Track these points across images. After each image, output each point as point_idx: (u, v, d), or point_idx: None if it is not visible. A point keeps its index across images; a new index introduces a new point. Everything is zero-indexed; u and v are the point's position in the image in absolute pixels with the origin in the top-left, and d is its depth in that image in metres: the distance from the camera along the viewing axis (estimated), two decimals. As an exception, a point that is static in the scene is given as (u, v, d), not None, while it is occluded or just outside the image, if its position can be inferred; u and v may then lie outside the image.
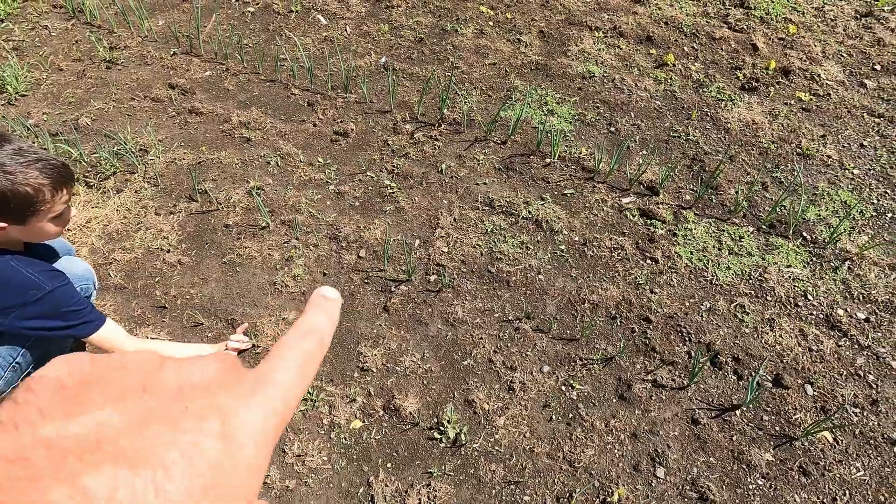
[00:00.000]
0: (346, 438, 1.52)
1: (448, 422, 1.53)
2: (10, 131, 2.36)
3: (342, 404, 1.58)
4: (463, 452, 1.51)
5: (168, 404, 0.21)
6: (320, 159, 2.35)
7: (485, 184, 2.28)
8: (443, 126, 2.54)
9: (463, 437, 1.52)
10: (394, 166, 2.32)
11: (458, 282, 1.90)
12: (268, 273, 1.91)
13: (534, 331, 1.79)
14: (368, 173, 2.29)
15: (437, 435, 1.53)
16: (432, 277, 1.90)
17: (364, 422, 1.56)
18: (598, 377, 1.70)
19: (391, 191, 2.21)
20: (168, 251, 1.96)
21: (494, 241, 2.04)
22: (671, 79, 2.90)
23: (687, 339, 1.78)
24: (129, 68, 2.80)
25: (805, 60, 3.09)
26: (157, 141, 2.38)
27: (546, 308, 1.85)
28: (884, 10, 3.48)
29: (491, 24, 3.23)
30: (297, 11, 3.27)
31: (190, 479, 0.19)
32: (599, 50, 3.06)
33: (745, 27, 3.27)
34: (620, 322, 1.82)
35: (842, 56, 3.16)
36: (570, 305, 1.86)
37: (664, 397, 1.66)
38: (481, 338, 1.76)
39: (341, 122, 2.53)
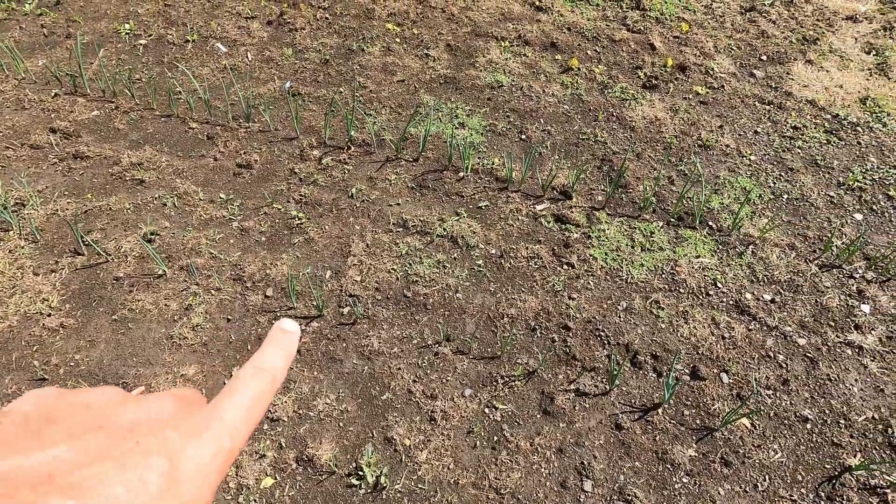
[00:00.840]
0: (256, 500, 1.41)
1: (367, 465, 1.45)
2: None
3: (250, 462, 1.46)
4: (385, 496, 1.43)
5: (121, 441, 0.23)
6: (222, 195, 2.22)
7: (398, 204, 2.22)
8: (352, 149, 2.47)
9: (383, 479, 1.43)
10: (302, 195, 2.22)
11: (373, 311, 1.83)
12: (164, 326, 1.76)
13: (454, 353, 1.73)
14: (275, 205, 2.18)
15: (355, 481, 1.44)
16: (345, 310, 1.82)
17: (276, 478, 1.44)
18: (521, 394, 1.66)
19: (299, 222, 2.11)
20: (48, 315, 1.77)
21: (410, 264, 1.98)
22: (577, 83, 2.97)
23: (606, 342, 1.78)
24: (3, 114, 2.56)
25: (699, 56, 3.24)
26: (36, 192, 2.18)
27: (465, 327, 1.80)
28: (765, 4, 3.72)
29: (398, 40, 3.20)
30: (193, 41, 3.12)
31: None
32: (506, 59, 3.09)
33: (643, 28, 3.41)
34: (540, 333, 1.80)
35: (732, 49, 3.34)
36: (489, 322, 1.82)
37: (588, 405, 1.64)
38: (399, 368, 1.69)
39: (244, 153, 2.41)
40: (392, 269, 1.96)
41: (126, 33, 3.15)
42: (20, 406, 0.24)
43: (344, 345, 1.74)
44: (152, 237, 2.02)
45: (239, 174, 2.31)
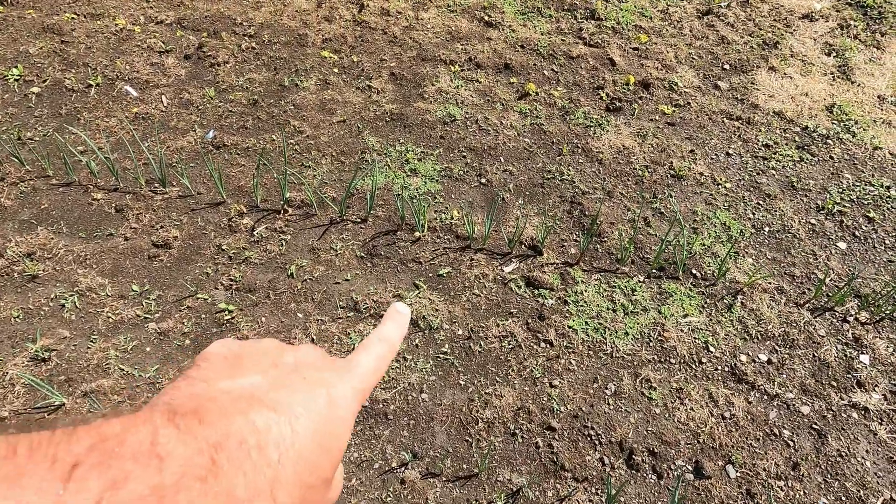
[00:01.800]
0: None
1: None
2: None
3: None
4: None
5: (293, 374, 0.32)
6: (135, 287, 1.86)
7: (346, 280, 1.92)
8: (289, 212, 2.14)
9: None
10: (231, 279, 1.90)
11: (323, 430, 1.53)
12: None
13: (423, 477, 1.47)
14: (199, 295, 1.84)
15: None
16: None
17: None
18: (506, 522, 1.41)
19: (230, 315, 1.79)
20: None
21: (364, 360, 1.69)
22: (536, 109, 2.72)
23: (597, 441, 1.56)
24: None
25: (661, 69, 3.05)
26: None
27: (435, 439, 1.54)
28: (721, 7, 3.57)
29: (336, 70, 2.86)
30: (97, 85, 2.69)
31: (308, 423, 0.29)
32: (458, 87, 2.81)
33: (600, 41, 3.18)
34: (521, 438, 1.55)
35: (693, 59, 3.16)
36: (462, 429, 1.56)
37: (583, 529, 1.41)
38: (359, 507, 1.41)
39: (161, 228, 2.05)
40: (344, 369, 1.67)
41: (14, 80, 2.69)
42: (216, 349, 0.33)
43: (291, 481, 1.45)
44: (47, 354, 1.66)
45: (155, 257, 1.96)
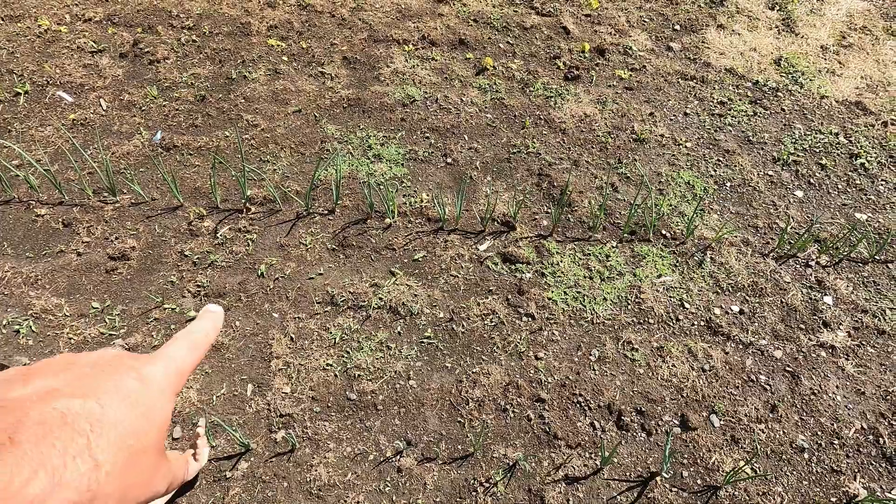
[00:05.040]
0: None
1: None
2: None
3: None
4: None
5: (93, 368, 0.34)
6: (95, 304, 1.76)
7: (320, 275, 1.87)
8: (252, 210, 2.06)
9: None
10: (199, 285, 1.82)
11: (313, 429, 1.50)
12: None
13: (419, 463, 1.46)
14: (166, 305, 1.76)
15: None
16: (279, 435, 1.48)
17: None
18: (507, 499, 1.42)
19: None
20: None
21: (348, 353, 1.66)
22: (495, 84, 2.68)
23: (586, 407, 1.58)
24: None
25: (614, 34, 3.05)
26: None
27: (427, 424, 1.53)
28: (667, -33, 3.58)
29: (286, 59, 2.75)
30: (27, 93, 2.50)
31: (118, 399, 0.32)
32: (413, 67, 2.74)
33: (552, 9, 3.15)
34: (513, 412, 1.56)
35: (644, 22, 3.18)
36: (453, 410, 1.56)
37: (581, 494, 1.44)
38: (358, 501, 1.39)
39: (116, 239, 1.94)
40: (327, 365, 1.63)
41: (-69, 94, 2.47)
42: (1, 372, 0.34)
43: (285, 484, 1.41)
44: (6, 384, 1.55)
45: (113, 270, 1.85)
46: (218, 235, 1.96)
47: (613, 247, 2.02)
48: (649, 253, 2.00)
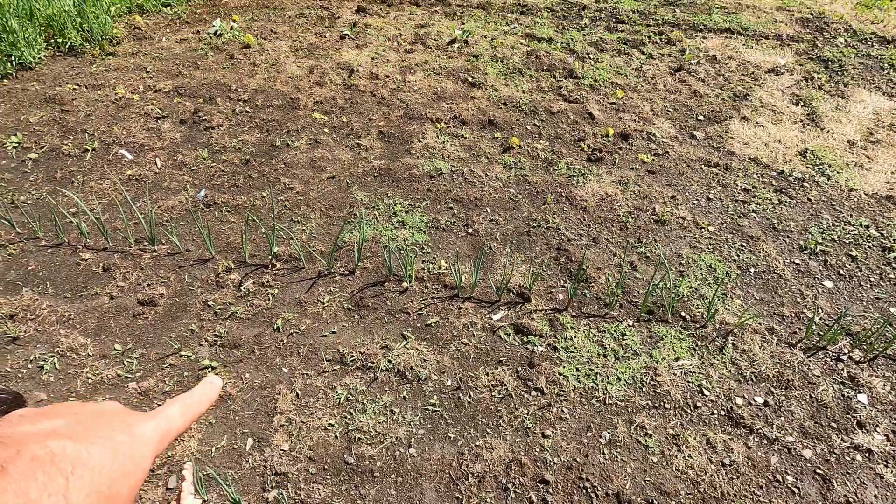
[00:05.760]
0: None
1: None
2: None
3: None
4: None
5: (93, 418, 0.38)
6: (118, 346, 1.83)
7: (333, 333, 1.90)
8: (277, 266, 2.15)
9: None
10: (216, 335, 1.87)
11: (306, 491, 1.46)
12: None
13: (412, 539, 1.38)
14: (183, 352, 1.81)
15: None
16: (271, 495, 1.45)
17: None
18: (501, 588, 1.32)
19: (215, 373, 1.75)
20: None
21: (351, 414, 1.65)
22: (520, 161, 2.81)
23: (593, 494, 1.49)
24: None
25: (638, 121, 3.18)
26: None
27: (424, 496, 1.47)
28: (692, 64, 3.78)
29: (326, 130, 2.97)
30: (93, 150, 2.78)
31: (105, 449, 0.35)
32: (444, 142, 2.91)
33: (579, 97, 3.34)
34: (514, 492, 1.48)
35: (668, 111, 3.31)
36: (452, 485, 1.49)
37: (583, 593, 1.32)
38: (343, 575, 1.32)
39: (148, 286, 2.05)
40: (329, 424, 1.62)
41: (13, 147, 2.77)
42: (17, 412, 0.37)
43: (271, 548, 1.36)
44: (21, 418, 1.60)
45: (140, 315, 1.94)
46: (242, 288, 2.05)
47: (630, 325, 1.98)
48: (667, 334, 1.96)
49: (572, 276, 2.12)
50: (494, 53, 3.76)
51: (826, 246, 2.44)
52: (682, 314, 2.04)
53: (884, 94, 3.57)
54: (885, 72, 3.77)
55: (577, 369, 1.81)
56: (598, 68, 3.64)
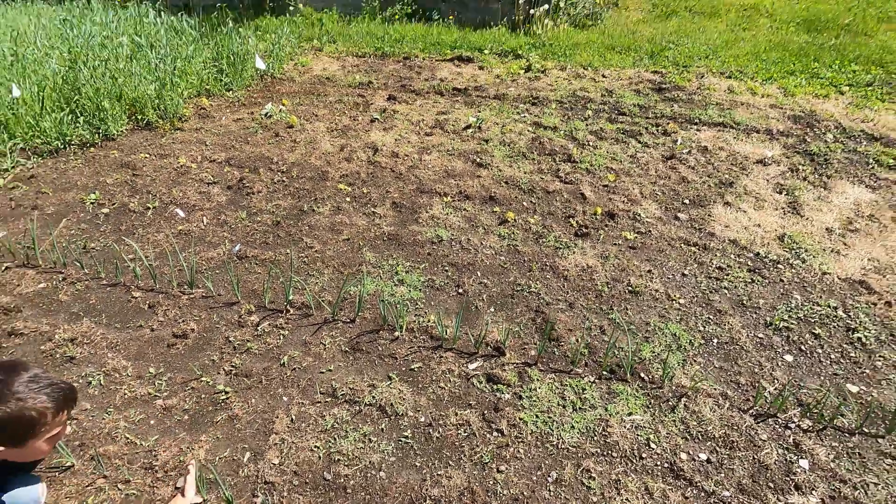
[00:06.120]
0: None
1: None
2: None
3: None
4: None
5: None
6: (151, 370, 2.20)
7: (329, 371, 2.21)
8: (290, 311, 2.52)
9: None
10: (233, 366, 2.22)
11: (288, 499, 1.72)
12: (57, 532, 1.63)
13: (371, 548, 1.61)
14: (203, 378, 2.16)
15: None
16: (258, 500, 1.71)
17: None
18: None
19: (225, 396, 2.08)
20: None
21: (334, 439, 1.92)
22: (513, 233, 3.17)
23: (534, 524, 1.68)
24: (-52, 291, 2.60)
25: (627, 202, 3.52)
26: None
27: (386, 514, 1.70)
28: (683, 153, 4.15)
29: (348, 199, 3.45)
30: (154, 208, 3.32)
31: None
32: (448, 214, 3.32)
33: (574, 179, 3.74)
34: (465, 517, 1.69)
35: (657, 195, 3.65)
36: (412, 506, 1.72)
37: None
38: (308, 572, 1.55)
39: (182, 322, 2.44)
40: (315, 446, 1.89)
41: (91, 203, 3.35)
42: None
43: (252, 544, 1.61)
44: (69, 422, 1.95)
45: (173, 345, 2.32)
46: (258, 328, 2.41)
47: (591, 381, 2.21)
48: (624, 392, 2.17)
49: (543, 335, 2.39)
50: (503, 138, 4.26)
51: (791, 323, 2.63)
52: (642, 375, 2.26)
53: (866, 186, 3.81)
54: (870, 166, 4.04)
55: (536, 416, 2.04)
56: (595, 154, 4.07)
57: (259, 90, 5.17)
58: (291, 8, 7.26)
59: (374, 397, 2.09)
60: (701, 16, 6.99)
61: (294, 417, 2.00)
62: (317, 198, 3.45)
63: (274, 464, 1.82)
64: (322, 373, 2.20)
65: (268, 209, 3.33)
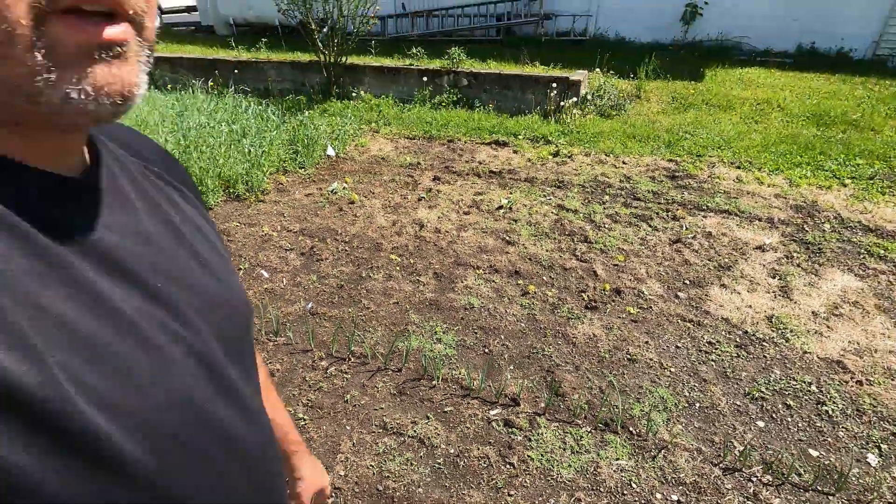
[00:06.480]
0: None
1: None
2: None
3: None
4: None
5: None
6: (248, 398, 2.90)
7: (381, 408, 2.85)
8: (352, 360, 3.20)
9: None
10: (309, 400, 2.89)
11: (350, 502, 2.33)
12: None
13: (410, 541, 2.18)
14: (288, 407, 2.83)
15: None
16: (329, 501, 2.33)
17: None
18: (461, 579, 2.06)
19: (304, 423, 2.74)
20: None
21: (384, 461, 2.54)
22: (533, 304, 3.80)
23: (533, 535, 2.22)
24: None
25: (633, 281, 4.11)
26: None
27: (422, 518, 2.27)
28: (688, 237, 4.74)
29: (398, 269, 4.19)
30: (244, 269, 4.16)
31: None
32: (479, 285, 4.00)
33: (589, 258, 4.37)
34: (481, 525, 2.25)
35: (661, 275, 4.22)
36: (441, 514, 2.29)
37: (513, 592, 2.02)
38: (365, 553, 2.13)
39: (269, 363, 3.16)
40: (370, 465, 2.51)
41: (196, 262, 4.22)
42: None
43: (325, 531, 2.21)
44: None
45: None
46: (327, 372, 3.10)
47: (588, 431, 2.75)
48: (614, 441, 2.70)
49: (551, 391, 2.97)
50: (530, 219, 4.98)
51: (767, 394, 3.10)
52: (630, 429, 2.79)
53: (855, 275, 4.27)
54: (861, 256, 4.49)
55: (541, 455, 2.60)
56: (609, 236, 4.71)
57: (326, 168, 6.14)
58: (354, 94, 8.46)
59: (415, 431, 2.70)
60: (717, 108, 7.71)
61: (355, 442, 2.63)
62: (372, 266, 4.21)
63: (341, 475, 2.45)
64: (376, 410, 2.84)
65: (333, 273, 4.10)
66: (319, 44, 8.20)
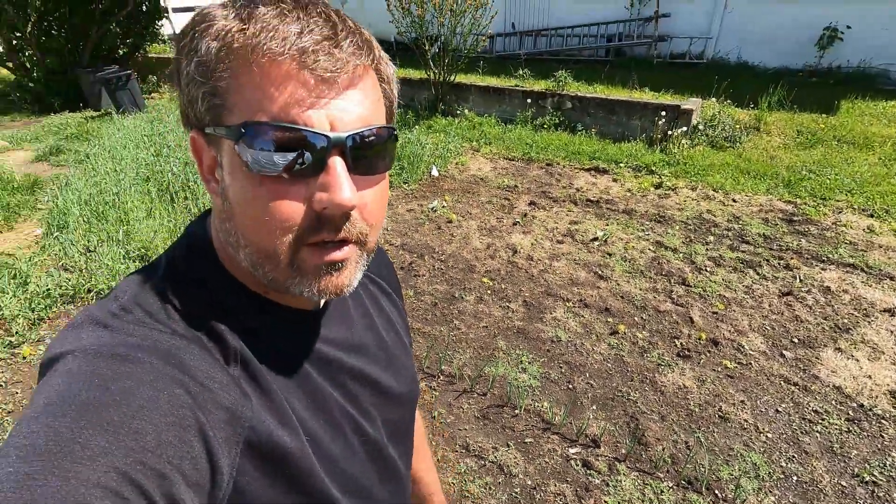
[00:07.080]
0: None
1: None
2: None
3: None
4: None
5: None
6: (348, 401, 3.22)
7: (465, 429, 3.03)
8: (441, 378, 3.43)
9: None
10: (400, 411, 3.15)
11: (432, 514, 2.54)
12: None
13: (484, 563, 2.33)
14: (380, 415, 3.12)
15: None
16: (414, 509, 2.55)
17: None
18: None
19: (395, 432, 3.00)
20: None
21: (465, 481, 2.71)
22: (621, 345, 3.78)
23: (604, 581, 2.27)
24: None
25: (733, 332, 3.93)
26: None
27: (497, 543, 2.42)
28: (802, 291, 4.41)
29: (489, 292, 4.36)
30: (350, 277, 4.56)
31: None
32: (568, 318, 4.05)
33: (685, 302, 4.24)
34: (553, 561, 2.34)
35: (765, 329, 3.99)
36: (515, 543, 2.42)
37: None
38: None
39: (367, 370, 3.48)
40: (451, 482, 2.70)
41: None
42: None
43: (408, 537, 2.44)
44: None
45: (361, 386, 3.35)
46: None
47: (669, 486, 2.73)
48: (697, 501, 2.65)
49: (634, 438, 2.96)
50: (625, 254, 4.91)
51: (880, 479, 2.85)
52: (716, 492, 2.71)
53: None
54: None
55: (619, 502, 2.62)
56: (710, 280, 4.52)
57: (427, 184, 6.49)
58: (458, 112, 8.80)
59: (495, 457, 2.85)
60: (850, 146, 6.98)
61: (439, 458, 2.84)
62: (465, 287, 4.42)
63: (425, 487, 2.66)
64: (460, 430, 3.03)
65: (429, 291, 4.37)
66: (430, 62, 8.65)
